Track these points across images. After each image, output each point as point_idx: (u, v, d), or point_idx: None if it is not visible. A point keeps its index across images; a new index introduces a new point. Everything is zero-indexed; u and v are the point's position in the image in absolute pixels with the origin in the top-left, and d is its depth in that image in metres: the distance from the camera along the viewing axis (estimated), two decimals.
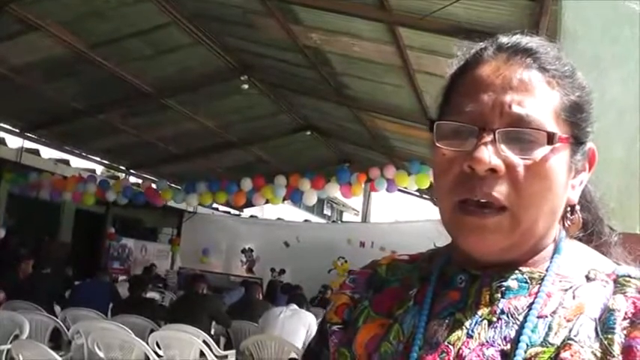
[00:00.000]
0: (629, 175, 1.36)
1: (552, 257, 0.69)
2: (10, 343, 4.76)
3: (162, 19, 6.58)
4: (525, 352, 0.62)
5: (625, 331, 0.60)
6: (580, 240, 0.75)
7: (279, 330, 5.54)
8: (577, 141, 0.69)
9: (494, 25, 4.49)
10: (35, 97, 8.37)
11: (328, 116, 9.56)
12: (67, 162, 11.63)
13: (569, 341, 0.61)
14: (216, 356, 5.41)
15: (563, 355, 0.60)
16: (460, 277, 0.71)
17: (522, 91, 0.66)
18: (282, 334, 5.49)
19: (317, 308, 7.71)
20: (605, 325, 0.61)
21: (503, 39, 0.71)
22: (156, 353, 4.88)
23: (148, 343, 4.90)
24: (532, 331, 0.63)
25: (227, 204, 11.64)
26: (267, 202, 10.55)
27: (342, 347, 0.76)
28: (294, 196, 9.82)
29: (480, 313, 0.67)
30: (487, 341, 0.65)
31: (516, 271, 0.68)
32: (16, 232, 11.16)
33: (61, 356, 4.08)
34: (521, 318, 0.65)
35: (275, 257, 12.78)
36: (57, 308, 6.83)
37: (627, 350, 0.59)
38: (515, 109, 0.65)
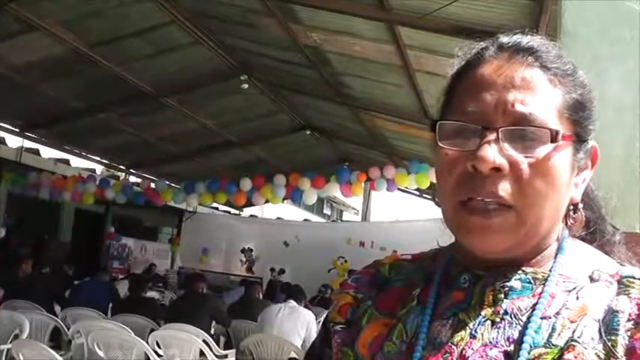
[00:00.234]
0: (629, 174, 1.36)
1: (556, 257, 0.69)
2: (10, 342, 4.76)
3: (162, 18, 6.58)
4: (529, 353, 0.62)
5: (629, 333, 0.60)
6: (583, 239, 0.74)
7: (277, 329, 5.53)
8: (580, 139, 0.69)
9: (494, 25, 4.49)
10: (35, 97, 8.37)
11: (328, 116, 9.56)
12: (67, 161, 11.63)
13: (573, 342, 0.61)
14: (216, 355, 5.42)
15: (566, 356, 0.60)
16: (464, 277, 0.71)
17: (525, 90, 0.66)
18: (280, 333, 5.48)
19: (317, 307, 7.71)
20: (608, 326, 0.61)
21: (504, 38, 0.71)
22: (156, 352, 4.88)
23: (147, 343, 4.90)
24: (535, 332, 0.63)
25: (227, 203, 11.64)
26: (266, 201, 10.55)
27: (345, 347, 0.76)
28: (294, 196, 9.81)
29: (483, 313, 0.67)
30: (490, 342, 0.65)
31: (520, 272, 0.68)
32: (16, 232, 11.17)
33: (61, 356, 4.08)
34: (524, 319, 0.65)
35: (275, 257, 12.77)
36: (57, 308, 6.84)
37: (631, 352, 0.59)
38: (519, 107, 0.65)
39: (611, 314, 0.62)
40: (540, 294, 0.66)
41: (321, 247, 11.97)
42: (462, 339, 0.66)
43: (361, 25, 5.60)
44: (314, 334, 5.44)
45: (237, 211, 15.40)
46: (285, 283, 10.17)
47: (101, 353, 4.83)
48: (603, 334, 0.61)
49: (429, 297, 0.72)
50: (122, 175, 12.63)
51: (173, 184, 11.41)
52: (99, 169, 12.71)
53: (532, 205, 0.65)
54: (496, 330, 0.65)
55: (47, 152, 11.32)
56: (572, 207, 0.72)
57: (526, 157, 0.65)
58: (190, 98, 8.79)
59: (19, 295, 6.26)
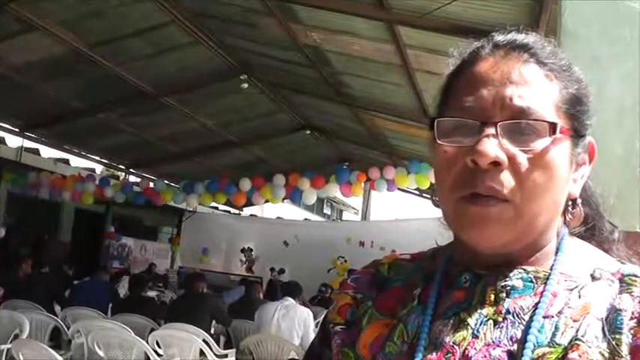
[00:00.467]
0: (629, 173, 1.36)
1: (556, 255, 0.69)
2: (10, 342, 4.76)
3: (162, 18, 6.58)
4: (532, 352, 0.62)
5: (632, 331, 0.60)
6: (582, 236, 0.75)
7: (274, 330, 5.51)
8: (577, 134, 0.69)
9: (494, 24, 4.39)
10: (35, 97, 8.37)
11: (328, 115, 9.56)
12: (66, 161, 11.63)
13: (577, 341, 0.61)
14: (216, 355, 5.41)
15: (571, 355, 0.60)
16: (465, 277, 0.71)
17: (522, 85, 0.66)
18: (277, 333, 5.46)
19: (317, 307, 7.71)
20: (612, 325, 0.61)
21: (499, 37, 0.72)
22: (156, 352, 4.89)
23: (147, 342, 4.90)
24: (539, 331, 0.63)
25: (227, 203, 11.64)
26: (266, 201, 10.55)
27: (346, 348, 0.75)
28: (294, 196, 9.80)
29: (485, 312, 0.67)
30: (493, 341, 0.65)
31: (521, 270, 0.68)
32: (16, 232, 11.17)
33: (61, 355, 4.08)
34: (527, 318, 0.65)
35: (274, 256, 12.76)
36: (57, 307, 6.84)
37: (635, 350, 0.59)
38: (517, 101, 0.66)
39: (615, 313, 0.62)
40: (542, 293, 0.66)
41: (321, 247, 11.96)
42: (464, 339, 0.66)
43: (361, 24, 5.60)
44: (312, 332, 5.43)
45: (237, 211, 15.40)
46: (285, 282, 10.15)
47: (101, 353, 4.83)
48: (607, 333, 0.61)
49: (429, 297, 0.72)
50: (122, 174, 12.63)
51: (173, 184, 11.41)
52: (99, 168, 12.72)
53: (531, 199, 0.65)
54: (498, 329, 0.65)
55: (47, 152, 11.33)
56: (570, 202, 0.72)
57: (525, 151, 0.65)
58: (190, 98, 8.79)
59: (19, 295, 6.26)
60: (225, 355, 5.85)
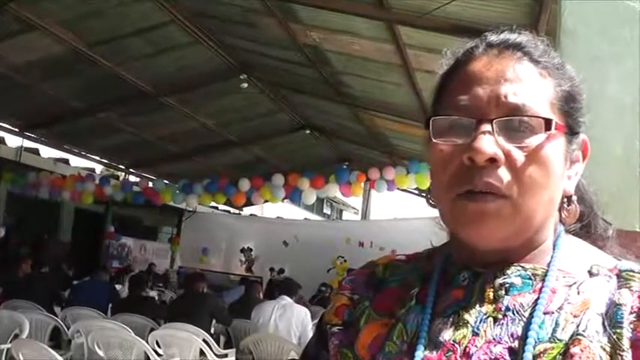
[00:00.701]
0: (629, 173, 1.36)
1: (553, 252, 0.70)
2: (10, 342, 4.75)
3: (161, 17, 6.59)
4: (534, 348, 0.62)
5: (632, 325, 0.61)
6: (577, 234, 0.75)
7: (272, 330, 5.50)
8: (571, 131, 0.70)
9: (493, 24, 4.44)
10: (35, 96, 8.38)
11: (327, 115, 9.56)
12: (66, 161, 11.64)
13: (578, 336, 0.61)
14: (216, 355, 5.41)
15: (572, 350, 0.60)
16: (463, 275, 0.71)
17: (516, 82, 0.67)
18: (275, 333, 5.46)
19: (316, 307, 7.71)
20: (612, 320, 0.62)
21: (492, 36, 0.73)
22: (156, 352, 4.88)
23: (147, 342, 4.90)
24: (540, 327, 0.63)
25: (227, 202, 11.65)
26: (266, 201, 10.55)
27: (344, 348, 0.75)
28: (293, 196, 9.79)
29: (484, 310, 0.67)
30: (494, 338, 0.65)
31: (519, 268, 0.68)
32: (16, 232, 11.16)
33: (61, 355, 4.08)
34: (527, 314, 0.65)
35: (274, 256, 12.76)
36: (56, 307, 6.84)
37: (636, 344, 0.60)
38: (511, 98, 0.66)
39: (614, 308, 0.63)
40: (541, 289, 0.66)
41: (321, 247, 11.96)
42: (464, 337, 0.66)
43: (361, 24, 5.60)
44: (309, 331, 5.43)
45: (236, 211, 15.40)
46: (280, 281, 10.15)
47: (101, 353, 4.83)
48: (608, 328, 0.61)
49: (428, 296, 0.72)
50: (122, 174, 12.63)
51: (173, 184, 11.41)
52: (98, 168, 12.72)
53: (528, 195, 0.65)
54: (499, 326, 0.66)
55: (47, 152, 11.33)
56: (565, 199, 0.73)
57: (520, 147, 0.65)
58: (190, 98, 8.79)
59: (18, 295, 6.26)
60: (225, 355, 5.85)
